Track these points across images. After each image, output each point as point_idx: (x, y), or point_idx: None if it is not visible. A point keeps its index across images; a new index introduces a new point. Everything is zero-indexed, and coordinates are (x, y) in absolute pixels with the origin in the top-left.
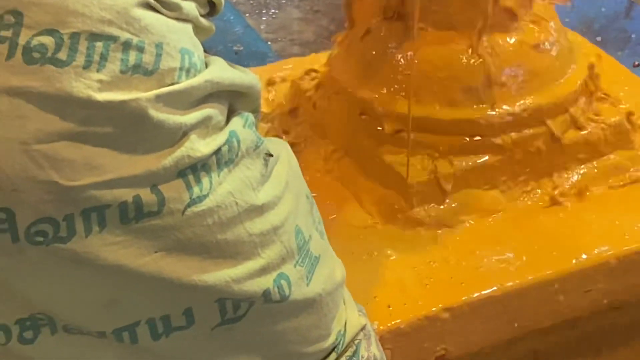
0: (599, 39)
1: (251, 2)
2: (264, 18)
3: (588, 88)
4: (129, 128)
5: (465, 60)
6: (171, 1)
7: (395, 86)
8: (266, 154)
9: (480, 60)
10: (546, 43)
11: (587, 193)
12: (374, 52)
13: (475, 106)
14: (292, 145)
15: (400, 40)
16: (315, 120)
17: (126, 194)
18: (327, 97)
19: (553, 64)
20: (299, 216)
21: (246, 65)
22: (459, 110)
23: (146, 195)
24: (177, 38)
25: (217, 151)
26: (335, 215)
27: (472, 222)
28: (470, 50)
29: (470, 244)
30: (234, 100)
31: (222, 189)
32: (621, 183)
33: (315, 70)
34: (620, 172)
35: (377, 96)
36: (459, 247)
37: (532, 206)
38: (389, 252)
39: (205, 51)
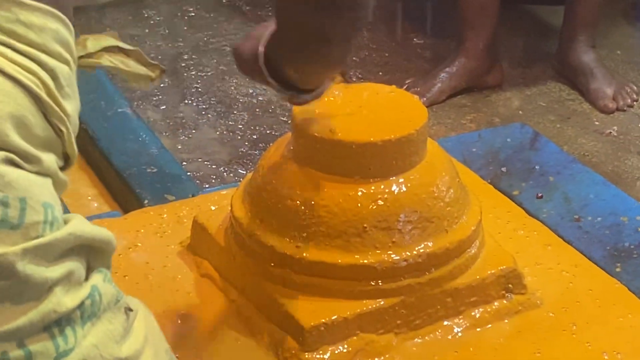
0: (504, 169)
1: (168, 121)
2: (180, 138)
3: (480, 233)
4: None
5: (361, 206)
6: (32, 155)
7: (292, 230)
8: (126, 308)
9: (376, 206)
10: (440, 189)
11: (481, 338)
12: (271, 196)
13: (370, 252)
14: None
15: (297, 184)
16: (215, 259)
17: None
18: (226, 237)
19: (446, 210)
20: None
21: (160, 188)
22: (355, 256)
23: (13, 350)
24: (40, 192)
25: (81, 305)
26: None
27: None
28: (366, 196)
29: None
30: (91, 257)
31: (87, 342)
32: (514, 327)
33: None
34: (512, 316)
35: (274, 239)
36: None
37: (426, 350)
38: None
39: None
